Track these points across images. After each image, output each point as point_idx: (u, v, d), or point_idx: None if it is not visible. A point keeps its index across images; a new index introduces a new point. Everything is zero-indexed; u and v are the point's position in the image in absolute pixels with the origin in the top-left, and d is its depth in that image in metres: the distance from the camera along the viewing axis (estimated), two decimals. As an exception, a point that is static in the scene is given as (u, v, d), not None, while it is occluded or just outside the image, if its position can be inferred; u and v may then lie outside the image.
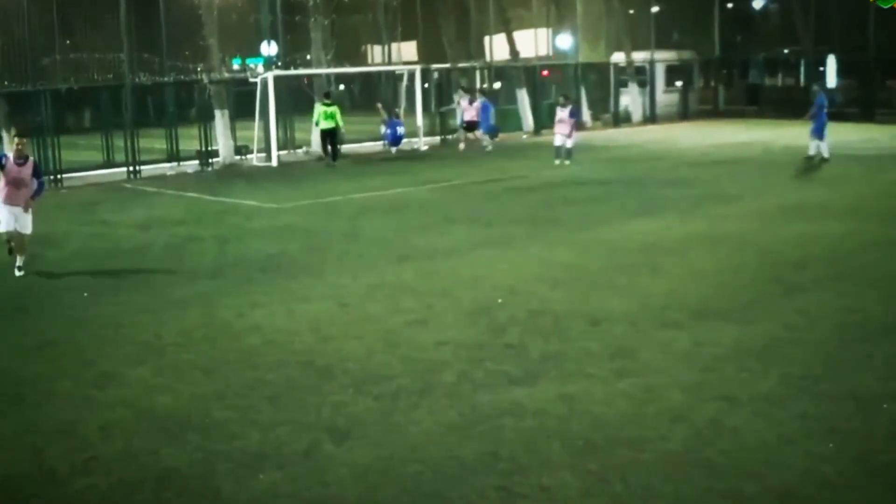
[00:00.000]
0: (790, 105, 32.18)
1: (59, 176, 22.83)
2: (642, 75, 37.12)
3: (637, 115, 36.93)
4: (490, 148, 26.89)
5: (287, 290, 11.04)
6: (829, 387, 7.37)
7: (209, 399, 7.48)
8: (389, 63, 33.48)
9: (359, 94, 42.59)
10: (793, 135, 25.33)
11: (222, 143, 26.08)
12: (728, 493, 5.66)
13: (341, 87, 35.81)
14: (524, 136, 32.53)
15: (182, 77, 28.15)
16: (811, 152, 22.39)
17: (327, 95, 26.13)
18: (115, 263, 13.18)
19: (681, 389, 7.36)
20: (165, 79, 27.37)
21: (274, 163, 26.03)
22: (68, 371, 8.33)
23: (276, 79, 26.64)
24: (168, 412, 7.23)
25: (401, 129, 27.96)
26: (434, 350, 8.59)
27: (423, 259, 12.67)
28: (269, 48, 31.82)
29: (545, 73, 35.89)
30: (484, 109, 27.54)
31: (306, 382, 7.82)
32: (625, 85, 36.78)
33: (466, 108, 27.70)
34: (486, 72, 34.97)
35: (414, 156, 27.59)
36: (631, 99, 36.93)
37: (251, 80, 28.08)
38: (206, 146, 25.74)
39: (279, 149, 26.69)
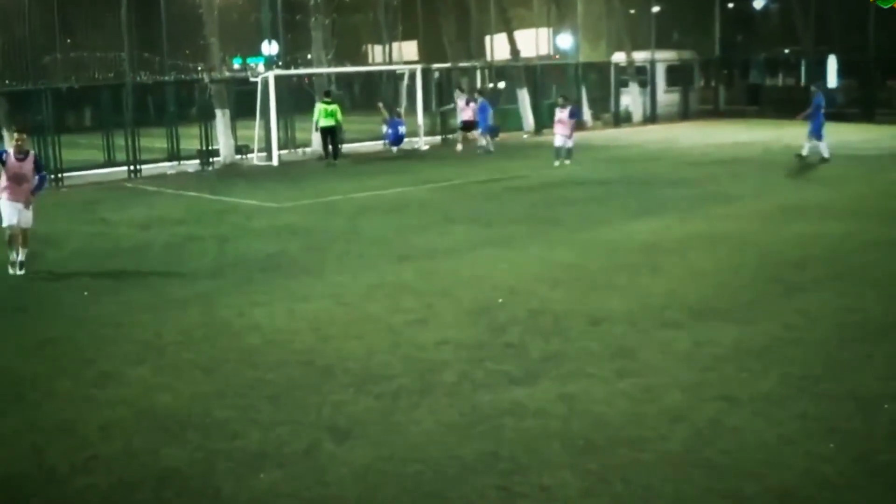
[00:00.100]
0: (791, 105, 32.10)
1: (59, 175, 22.83)
2: (643, 75, 37.12)
3: (637, 114, 36.93)
4: (491, 148, 26.86)
5: (287, 290, 11.05)
6: (829, 387, 7.37)
7: (209, 398, 7.48)
8: (390, 62, 33.50)
9: (359, 94, 42.60)
10: (793, 135, 25.29)
11: (223, 142, 26.09)
12: (728, 493, 5.66)
13: (340, 91, 35.75)
14: (525, 136, 32.54)
15: (183, 76, 28.21)
16: (804, 152, 22.38)
17: (327, 94, 26.17)
18: (115, 263, 13.18)
19: (681, 389, 7.36)
20: (166, 78, 27.40)
21: (274, 162, 26.05)
22: (68, 370, 8.33)
23: (277, 78, 26.66)
24: (168, 411, 7.23)
25: (402, 129, 27.95)
26: (434, 350, 8.59)
27: (424, 259, 12.67)
28: (270, 47, 31.83)
29: None
30: (482, 110, 27.49)
31: (306, 382, 7.82)
32: (625, 85, 36.79)
33: (463, 109, 27.71)
34: (486, 71, 34.97)
35: (414, 155, 27.61)
36: (631, 99, 36.94)
37: (252, 79, 28.13)
38: (207, 145, 25.76)
39: (280, 148, 26.71)
